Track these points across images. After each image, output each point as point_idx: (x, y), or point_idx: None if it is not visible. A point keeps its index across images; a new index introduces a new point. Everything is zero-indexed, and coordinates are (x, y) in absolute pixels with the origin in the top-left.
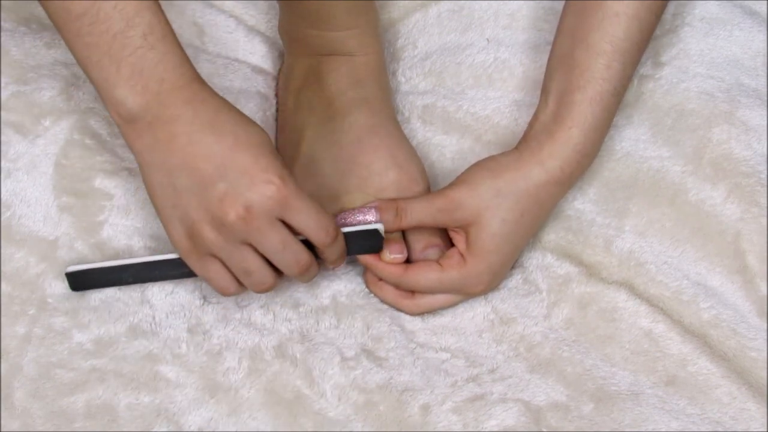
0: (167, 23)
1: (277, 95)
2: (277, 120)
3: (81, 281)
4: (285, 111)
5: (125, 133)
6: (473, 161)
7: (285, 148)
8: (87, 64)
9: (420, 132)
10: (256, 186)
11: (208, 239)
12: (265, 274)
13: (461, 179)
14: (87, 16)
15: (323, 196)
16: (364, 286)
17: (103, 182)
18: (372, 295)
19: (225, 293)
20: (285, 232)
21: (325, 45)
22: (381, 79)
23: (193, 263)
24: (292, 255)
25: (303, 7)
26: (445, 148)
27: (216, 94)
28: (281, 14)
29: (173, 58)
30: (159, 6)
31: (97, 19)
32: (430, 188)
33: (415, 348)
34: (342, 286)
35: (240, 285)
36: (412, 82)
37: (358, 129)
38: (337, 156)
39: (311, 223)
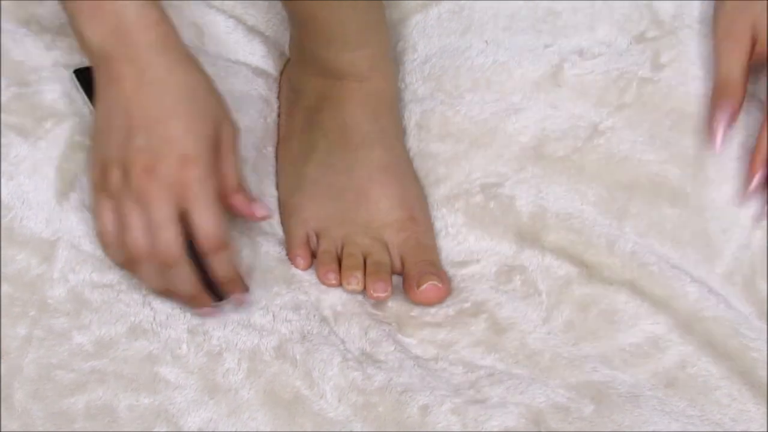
0: None
1: (278, 98)
2: (278, 125)
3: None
4: (292, 125)
5: (95, 70)
6: (468, 166)
7: (287, 161)
8: None
9: (416, 138)
10: (171, 155)
11: (112, 177)
12: (140, 237)
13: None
14: None
15: (322, 219)
16: (357, 296)
17: None
18: (367, 303)
19: (102, 238)
20: (174, 215)
21: (338, 66)
22: (394, 110)
23: (94, 195)
24: (164, 233)
25: (314, 24)
26: (440, 155)
27: (178, 45)
28: (292, 31)
29: None
30: None
31: None
32: (433, 228)
33: (412, 357)
34: (336, 298)
35: (118, 235)
36: (412, 87)
37: (371, 164)
38: (345, 185)
39: (203, 218)
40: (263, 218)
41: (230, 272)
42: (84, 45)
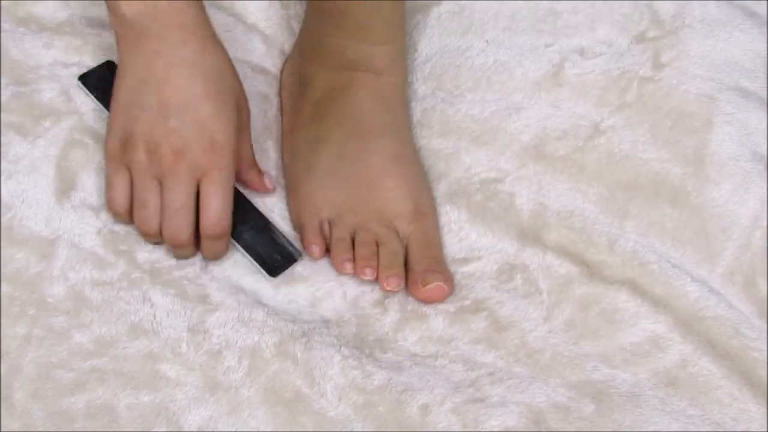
0: None
1: (279, 94)
2: (281, 120)
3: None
4: (298, 117)
5: (117, 34)
6: (468, 160)
7: (295, 153)
8: None
9: (417, 135)
10: (200, 139)
11: (136, 153)
12: (153, 218)
13: None
14: None
15: (336, 207)
16: (358, 295)
17: (103, 183)
18: (367, 302)
19: (112, 207)
20: (192, 200)
21: (358, 59)
22: (405, 106)
23: (110, 163)
24: (179, 220)
25: (344, 16)
26: (441, 152)
27: (208, 27)
28: (309, 22)
29: None
30: None
31: None
32: (438, 222)
33: (412, 355)
34: (337, 296)
35: (128, 210)
36: (413, 86)
37: (385, 153)
38: (360, 174)
39: (214, 203)
40: (272, 190)
41: (220, 255)
42: (116, 15)
